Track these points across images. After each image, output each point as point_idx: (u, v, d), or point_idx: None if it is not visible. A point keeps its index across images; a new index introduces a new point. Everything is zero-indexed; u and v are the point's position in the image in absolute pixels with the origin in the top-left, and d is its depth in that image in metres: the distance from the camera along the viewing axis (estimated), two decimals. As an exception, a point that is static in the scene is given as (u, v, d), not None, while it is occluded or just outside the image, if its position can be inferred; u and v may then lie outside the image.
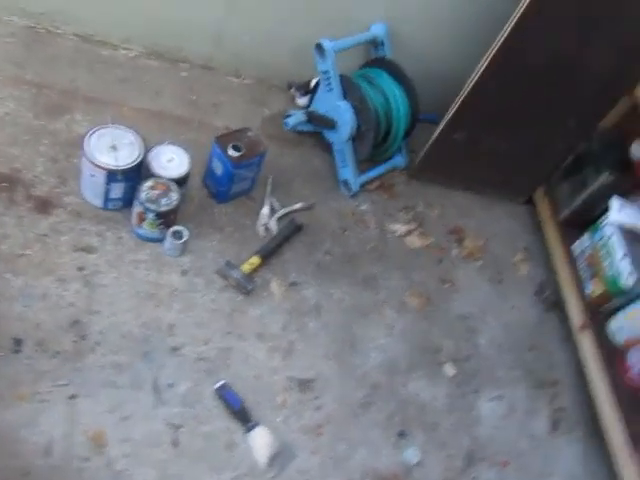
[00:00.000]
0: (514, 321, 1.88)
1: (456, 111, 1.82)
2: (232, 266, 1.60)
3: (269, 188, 1.83)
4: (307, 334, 1.60)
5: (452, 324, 1.79)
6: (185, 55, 2.02)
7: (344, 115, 1.81)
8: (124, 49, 1.97)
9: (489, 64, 1.68)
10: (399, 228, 1.95)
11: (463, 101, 1.78)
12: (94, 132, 1.51)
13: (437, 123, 1.93)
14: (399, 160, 2.06)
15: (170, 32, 1.96)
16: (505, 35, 1.62)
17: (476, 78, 1.72)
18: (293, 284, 1.68)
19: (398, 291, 1.79)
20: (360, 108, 1.82)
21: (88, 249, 1.52)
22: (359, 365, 1.61)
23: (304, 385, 1.52)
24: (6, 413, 1.23)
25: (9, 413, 1.23)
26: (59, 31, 1.91)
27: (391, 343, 1.68)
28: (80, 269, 1.48)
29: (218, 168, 1.67)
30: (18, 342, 1.32)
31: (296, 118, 1.96)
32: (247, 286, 1.59)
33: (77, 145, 1.56)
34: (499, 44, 1.64)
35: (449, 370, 1.69)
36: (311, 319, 1.63)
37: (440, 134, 1.91)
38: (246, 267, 1.62)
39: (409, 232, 1.95)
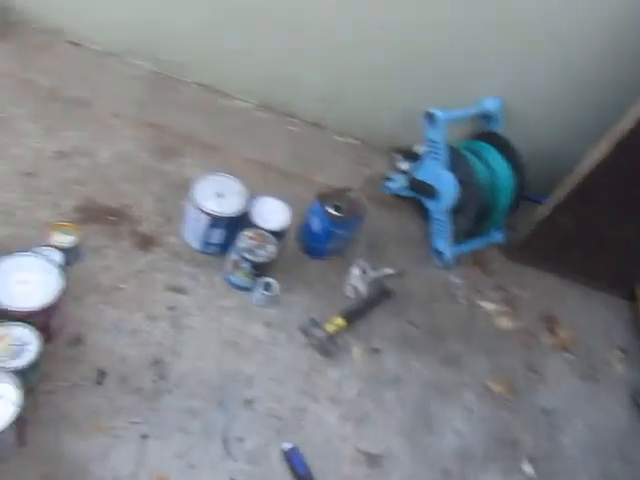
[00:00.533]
0: (603, 424, 1.74)
1: (566, 195, 1.75)
2: (316, 324, 1.59)
3: (362, 249, 1.82)
4: (382, 405, 1.55)
5: (535, 418, 1.68)
6: (295, 111, 2.09)
7: (447, 186, 1.79)
8: (239, 100, 2.06)
9: (608, 154, 1.62)
10: (489, 307, 1.88)
11: (575, 186, 1.72)
12: (202, 177, 1.57)
13: (542, 204, 1.87)
14: (497, 236, 2.00)
15: (283, 88, 2.04)
16: (627, 128, 1.56)
17: (592, 166, 1.66)
18: (375, 351, 1.64)
19: (481, 373, 1.70)
20: (465, 181, 1.79)
21: (180, 290, 1.55)
22: (432, 446, 1.53)
23: (373, 460, 1.46)
24: (81, 443, 1.25)
25: (83, 444, 1.25)
26: (182, 79, 2.03)
27: (468, 428, 1.59)
28: (170, 309, 1.51)
29: (316, 224, 1.69)
30: (102, 374, 1.36)
31: (397, 183, 1.96)
32: (328, 347, 1.57)
33: (185, 188, 1.62)
34: (620, 135, 1.58)
35: (527, 468, 1.58)
36: (388, 390, 1.58)
37: (544, 216, 1.85)
38: (330, 327, 1.60)
39: (499, 313, 1.87)
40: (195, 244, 1.62)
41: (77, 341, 1.39)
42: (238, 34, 1.90)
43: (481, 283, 1.92)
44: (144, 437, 1.31)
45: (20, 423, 1.11)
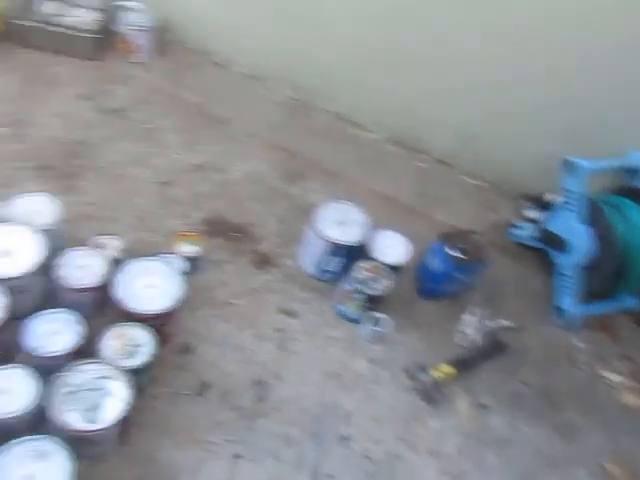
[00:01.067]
0: None
1: None
2: (422, 368, 1.53)
3: (479, 296, 1.74)
4: (483, 467, 1.45)
5: (657, 511, 1.50)
6: (426, 147, 2.05)
7: (582, 240, 1.67)
8: (370, 131, 2.06)
9: None
10: (614, 378, 1.71)
11: None
12: (326, 204, 1.57)
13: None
14: (630, 301, 1.83)
15: (417, 124, 2.01)
16: None
17: None
18: (482, 406, 1.54)
19: (598, 451, 1.55)
20: (602, 237, 1.66)
21: (291, 313, 1.55)
22: (532, 522, 1.41)
23: (465, 524, 1.36)
24: (176, 452, 1.27)
25: (178, 453, 1.27)
26: (317, 106, 2.06)
27: (576, 510, 1.45)
28: (278, 330, 1.51)
29: (435, 264, 1.63)
30: (205, 386, 1.38)
31: (524, 231, 1.86)
32: (433, 394, 1.50)
33: (307, 212, 1.63)
34: None
35: None
36: (491, 451, 1.47)
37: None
38: (437, 373, 1.53)
39: (625, 386, 1.70)
40: (311, 269, 1.62)
41: (186, 350, 1.42)
42: (380, 71, 1.92)
43: (607, 350, 1.76)
44: (237, 457, 1.30)
45: (126, 422, 1.14)
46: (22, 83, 1.77)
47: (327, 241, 1.52)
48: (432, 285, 1.67)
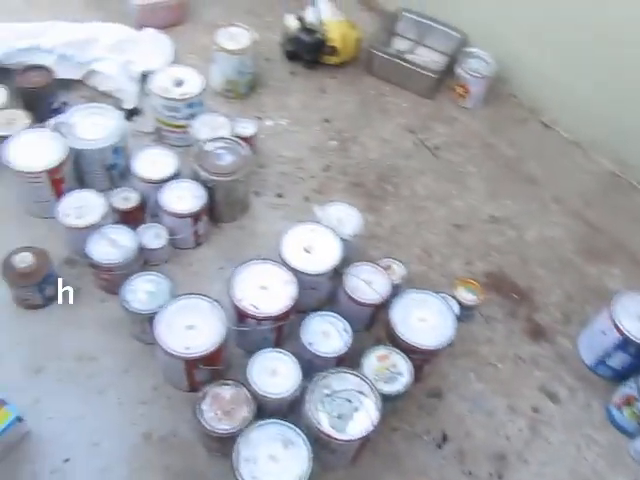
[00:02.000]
0: None
1: None
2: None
3: None
4: None
5: None
6: None
7: None
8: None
9: None
10: None
11: None
12: (626, 293, 1.40)
13: None
14: None
15: None
16: None
17: None
18: None
19: None
20: None
21: (552, 396, 1.42)
22: None
23: None
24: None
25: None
26: (638, 187, 1.87)
27: None
28: (535, 410, 1.40)
29: None
30: (444, 438, 1.33)
31: None
32: None
33: (600, 296, 1.50)
34: None
35: None
36: None
37: None
38: None
39: None
40: (589, 358, 1.46)
41: (435, 394, 1.39)
42: None
43: None
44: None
45: (364, 442, 1.16)
46: (360, 105, 1.94)
47: (620, 334, 1.35)
48: None
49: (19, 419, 1.15)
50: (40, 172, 1.41)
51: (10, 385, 1.22)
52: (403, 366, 1.25)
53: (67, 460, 1.20)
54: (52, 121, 1.51)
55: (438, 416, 1.36)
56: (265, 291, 1.27)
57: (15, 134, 1.46)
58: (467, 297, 1.46)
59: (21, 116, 1.54)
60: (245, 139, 1.57)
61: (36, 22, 1.86)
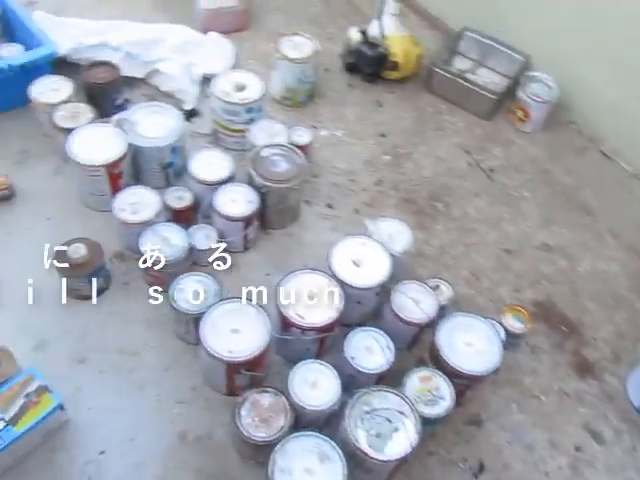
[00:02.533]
0: None
1: None
2: None
3: None
4: None
5: None
6: None
7: None
8: None
9: None
10: None
11: None
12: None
13: None
14: None
15: None
16: None
17: None
18: None
19: None
20: None
21: (597, 436, 1.37)
22: None
23: None
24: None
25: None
26: None
27: None
28: (577, 449, 1.35)
29: None
30: (481, 468, 1.30)
31: None
32: None
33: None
34: None
35: None
36: None
37: None
38: None
39: None
40: (637, 399, 1.40)
41: (475, 422, 1.36)
42: None
43: None
44: None
45: (400, 464, 1.14)
46: (417, 122, 1.93)
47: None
48: None
49: (61, 407, 1.16)
50: (99, 166, 1.43)
51: (55, 373, 1.24)
52: (445, 390, 1.22)
53: (102, 452, 1.21)
54: (115, 117, 1.53)
55: (476, 444, 1.33)
56: (311, 301, 1.26)
57: (79, 128, 1.49)
58: (514, 325, 1.43)
59: (85, 110, 1.57)
60: (300, 147, 1.57)
61: (105, 20, 1.91)
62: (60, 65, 1.73)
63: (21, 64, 1.62)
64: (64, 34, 1.78)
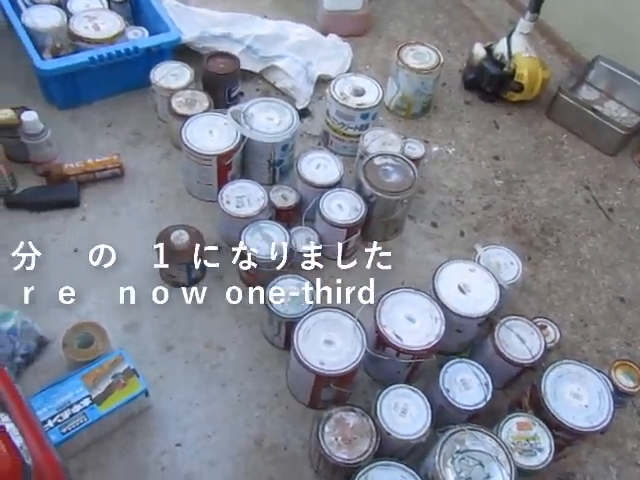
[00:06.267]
0: None
1: None
2: None
3: None
4: None
5: None
6: None
7: None
8: None
9: None
10: None
11: None
12: None
13: None
14: None
15: None
16: None
17: None
18: None
19: None
20: None
21: None
22: None
23: None
24: None
25: None
26: None
27: None
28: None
29: None
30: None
31: None
32: None
33: None
34: None
35: None
36: None
37: None
38: None
39: None
40: None
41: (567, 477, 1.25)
42: None
43: None
44: None
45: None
46: (534, 149, 1.82)
47: None
48: None
49: (146, 393, 1.15)
50: (212, 155, 1.42)
51: (143, 357, 1.23)
52: (545, 441, 1.12)
53: (179, 445, 1.19)
54: (231, 109, 1.52)
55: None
56: (411, 323, 1.19)
57: (195, 115, 1.49)
58: (624, 382, 1.30)
59: (202, 98, 1.57)
60: (411, 160, 1.50)
61: (230, 12, 1.92)
62: (182, 52, 1.75)
63: (147, 47, 1.64)
64: (190, 22, 1.80)
